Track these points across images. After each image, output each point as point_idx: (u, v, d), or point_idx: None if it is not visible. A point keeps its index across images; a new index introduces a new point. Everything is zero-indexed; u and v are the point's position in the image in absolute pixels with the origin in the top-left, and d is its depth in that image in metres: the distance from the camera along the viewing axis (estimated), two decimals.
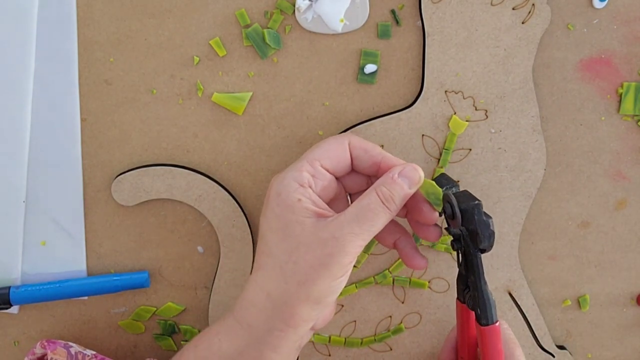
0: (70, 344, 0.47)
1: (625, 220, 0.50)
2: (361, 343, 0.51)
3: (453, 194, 0.40)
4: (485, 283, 0.41)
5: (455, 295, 0.44)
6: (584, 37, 0.46)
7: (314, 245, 0.38)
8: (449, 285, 0.50)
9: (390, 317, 0.50)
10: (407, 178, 0.40)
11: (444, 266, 0.49)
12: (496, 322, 0.41)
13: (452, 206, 0.40)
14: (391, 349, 0.51)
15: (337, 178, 0.43)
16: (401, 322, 0.50)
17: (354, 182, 0.44)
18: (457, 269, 0.43)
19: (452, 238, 0.42)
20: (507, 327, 0.45)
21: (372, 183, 0.41)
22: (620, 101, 0.47)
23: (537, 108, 0.47)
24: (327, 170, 0.41)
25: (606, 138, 0.48)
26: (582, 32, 0.46)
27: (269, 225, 0.40)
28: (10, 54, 0.46)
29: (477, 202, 0.39)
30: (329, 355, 0.51)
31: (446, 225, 0.42)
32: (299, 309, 0.39)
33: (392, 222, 0.44)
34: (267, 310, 0.39)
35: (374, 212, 0.39)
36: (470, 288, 0.42)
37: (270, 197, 0.40)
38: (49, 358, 0.46)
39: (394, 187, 0.40)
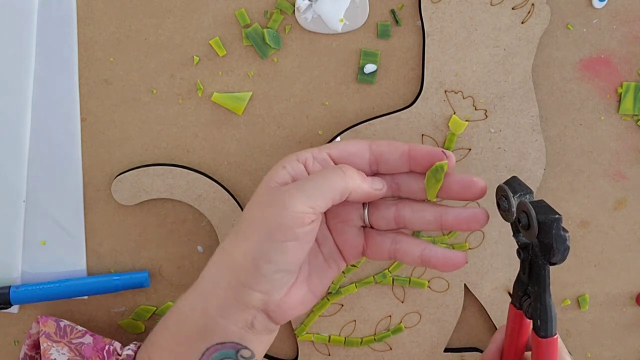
0: (62, 319, 0.48)
1: (624, 220, 0.50)
2: (361, 342, 0.51)
3: (530, 202, 0.38)
4: (550, 295, 0.40)
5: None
6: (584, 36, 0.46)
7: (263, 202, 0.39)
8: (448, 285, 0.50)
9: (390, 316, 0.50)
10: (376, 180, 0.41)
11: None
12: (555, 335, 0.40)
13: (529, 217, 0.38)
14: (391, 349, 0.51)
15: None
16: (401, 322, 0.50)
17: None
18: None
19: (517, 246, 0.41)
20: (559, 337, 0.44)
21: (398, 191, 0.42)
22: (619, 101, 0.47)
23: (536, 108, 0.47)
24: (333, 160, 0.41)
25: (606, 138, 0.48)
26: (582, 31, 0.46)
27: (250, 202, 0.40)
28: (10, 54, 0.46)
29: (557, 216, 0.37)
30: (329, 354, 0.51)
31: (512, 233, 0.41)
32: (238, 268, 0.38)
33: (411, 238, 0.43)
34: (216, 264, 0.40)
35: (330, 176, 0.39)
36: (532, 298, 0.40)
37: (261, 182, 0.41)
38: (40, 331, 0.46)
39: (358, 175, 0.40)
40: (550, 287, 0.40)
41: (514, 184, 0.40)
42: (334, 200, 0.38)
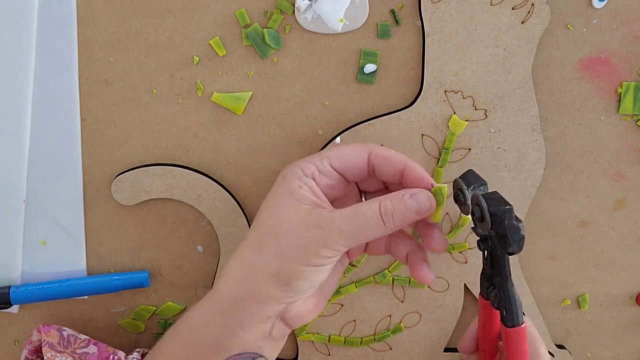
0: (64, 328, 0.48)
1: (624, 220, 0.50)
2: (361, 342, 0.51)
3: (482, 195, 0.39)
4: (512, 285, 0.40)
5: (478, 291, 0.43)
6: (584, 36, 0.46)
7: (298, 226, 0.38)
8: (448, 285, 0.50)
9: (390, 316, 0.50)
10: (418, 203, 0.39)
11: (444, 266, 0.49)
12: (522, 323, 0.40)
13: (481, 209, 0.38)
14: (391, 349, 0.51)
15: (349, 181, 0.43)
16: (401, 322, 0.50)
17: (374, 184, 0.44)
18: (478, 266, 0.42)
19: (478, 238, 0.41)
20: (530, 324, 0.44)
21: (392, 190, 0.42)
22: (619, 101, 0.47)
23: (536, 108, 0.47)
24: (336, 171, 0.42)
25: (605, 138, 0.48)
26: (582, 31, 0.46)
27: (266, 204, 0.41)
28: (10, 54, 0.46)
29: (508, 207, 0.38)
30: (329, 354, 0.51)
31: (472, 225, 0.41)
32: (266, 283, 0.38)
33: (405, 235, 0.43)
34: (237, 277, 0.40)
35: (367, 221, 0.38)
36: (496, 288, 0.41)
37: (277, 180, 0.41)
38: (43, 340, 0.46)
39: (399, 206, 0.39)
40: (512, 276, 0.40)
41: (468, 177, 0.41)
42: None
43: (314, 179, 0.41)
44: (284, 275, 0.38)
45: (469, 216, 0.40)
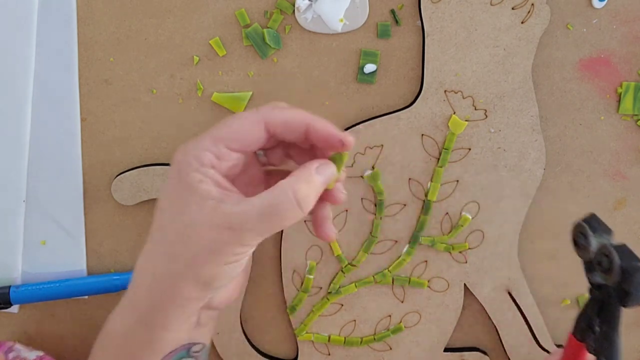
0: (17, 346, 0.47)
1: (624, 220, 0.50)
2: (361, 342, 0.51)
3: (613, 247, 0.38)
4: (619, 336, 0.39)
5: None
6: (584, 36, 0.46)
7: (208, 229, 0.35)
8: (448, 285, 0.50)
9: (390, 316, 0.50)
10: (324, 176, 0.36)
11: (444, 266, 0.49)
12: None
13: (611, 262, 0.37)
14: (391, 348, 0.51)
15: (249, 153, 0.39)
16: (401, 321, 0.51)
17: (276, 156, 0.40)
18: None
19: (589, 284, 0.40)
20: None
21: (295, 154, 0.39)
22: (619, 101, 0.47)
23: (536, 108, 0.47)
24: (234, 151, 0.37)
25: (605, 138, 0.48)
26: (582, 31, 0.46)
27: (168, 203, 0.36)
28: (10, 54, 0.46)
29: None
30: (329, 354, 0.51)
31: (585, 269, 0.40)
32: (186, 290, 0.36)
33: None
34: (152, 290, 0.37)
35: (284, 212, 0.35)
36: (599, 335, 0.40)
37: (171, 172, 0.37)
38: None
39: (311, 186, 0.35)
40: (621, 326, 0.40)
41: (592, 223, 0.40)
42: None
43: (213, 167, 0.36)
44: (202, 279, 0.36)
45: (589, 262, 0.39)
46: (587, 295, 0.51)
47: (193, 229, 0.35)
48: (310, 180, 0.35)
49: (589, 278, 0.40)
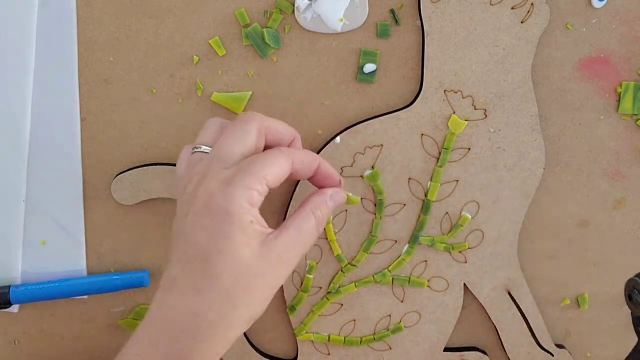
0: None
1: (624, 220, 0.50)
2: (361, 342, 0.51)
3: None
4: None
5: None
6: (583, 36, 0.46)
7: (264, 269, 0.37)
8: (448, 285, 0.50)
9: (390, 316, 0.50)
10: (336, 203, 0.42)
11: (444, 265, 0.49)
12: None
13: None
14: (391, 348, 0.51)
15: None
16: (400, 321, 0.51)
17: None
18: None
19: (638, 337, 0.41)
20: None
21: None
22: (619, 101, 0.47)
23: (536, 107, 0.47)
24: (269, 188, 0.39)
25: (605, 137, 0.48)
26: (581, 31, 0.46)
27: (217, 246, 0.36)
28: (10, 54, 0.46)
29: None
30: (329, 354, 0.51)
31: (633, 325, 0.41)
32: (239, 331, 0.37)
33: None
34: (210, 340, 0.36)
35: (313, 235, 0.40)
36: None
37: (217, 214, 0.36)
38: None
39: (327, 211, 0.41)
40: None
41: None
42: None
43: (257, 207, 0.38)
44: (255, 317, 0.38)
45: (633, 314, 0.40)
46: (587, 298, 0.51)
47: (249, 273, 0.36)
48: (326, 206, 0.41)
49: (638, 332, 0.40)
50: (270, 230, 0.38)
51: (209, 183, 0.37)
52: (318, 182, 0.43)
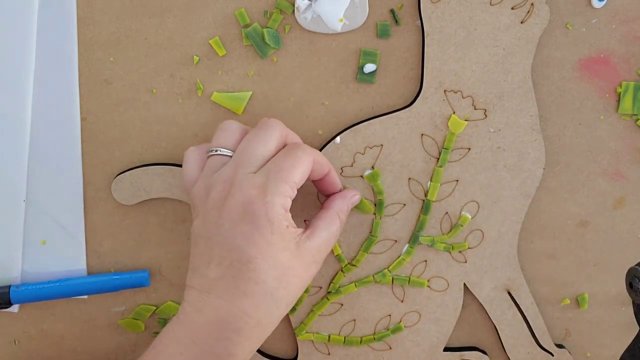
0: None
1: (624, 220, 0.50)
2: (360, 342, 0.51)
3: None
4: None
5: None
6: (583, 36, 0.47)
7: (300, 269, 0.40)
8: (448, 284, 0.50)
9: (390, 315, 0.50)
10: (353, 205, 0.46)
11: (443, 265, 0.49)
12: None
13: None
14: (390, 348, 0.51)
15: None
16: (400, 321, 0.51)
17: None
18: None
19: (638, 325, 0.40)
20: None
21: None
22: (619, 100, 0.47)
23: (536, 107, 0.47)
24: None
25: (605, 137, 0.48)
26: (581, 31, 0.46)
27: (259, 252, 0.38)
28: (10, 54, 0.46)
29: None
30: (329, 354, 0.51)
31: (634, 312, 0.41)
32: (275, 326, 0.41)
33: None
34: (253, 337, 0.39)
35: (337, 236, 0.43)
36: None
37: (257, 222, 0.38)
38: None
39: (347, 213, 0.45)
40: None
41: None
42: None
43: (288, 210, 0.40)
44: (288, 311, 0.41)
45: (635, 302, 0.40)
46: (587, 298, 0.51)
47: (289, 274, 0.39)
48: (347, 205, 0.45)
49: (639, 320, 0.40)
50: (300, 229, 0.41)
51: (246, 190, 0.39)
52: (322, 186, 0.45)
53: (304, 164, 0.40)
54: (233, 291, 0.38)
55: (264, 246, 0.38)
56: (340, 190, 0.46)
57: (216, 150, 0.42)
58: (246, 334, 0.39)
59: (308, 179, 0.42)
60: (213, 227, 0.39)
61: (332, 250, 0.49)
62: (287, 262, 0.39)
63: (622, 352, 0.42)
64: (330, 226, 0.42)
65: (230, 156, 0.41)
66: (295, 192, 0.40)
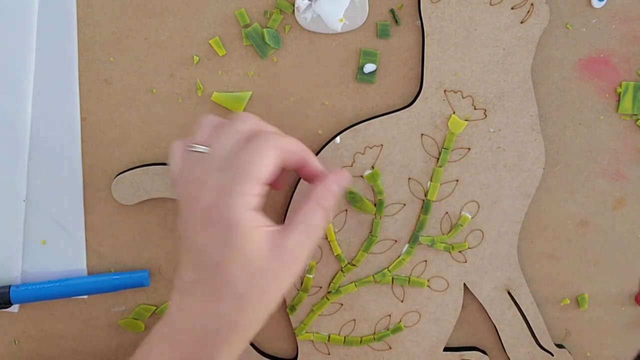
0: None
1: (623, 220, 0.50)
2: (360, 342, 0.51)
3: None
4: None
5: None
6: (583, 36, 0.47)
7: (276, 268, 0.37)
8: (447, 284, 0.50)
9: (390, 315, 0.50)
10: (341, 187, 0.41)
11: (443, 265, 0.49)
12: None
13: None
14: (390, 348, 0.51)
15: None
16: (400, 321, 0.51)
17: None
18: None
19: None
20: None
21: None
22: (618, 100, 0.47)
23: (535, 107, 0.47)
24: (265, 184, 0.38)
25: (605, 137, 0.48)
26: (581, 31, 0.46)
27: (225, 255, 0.36)
28: (10, 54, 0.46)
29: None
30: (328, 354, 0.51)
31: None
32: (256, 329, 0.39)
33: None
34: (232, 340, 0.38)
35: (320, 227, 0.39)
36: None
37: (220, 225, 0.36)
38: None
39: (333, 198, 0.40)
40: None
41: None
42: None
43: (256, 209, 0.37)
44: (270, 312, 0.39)
45: None
46: (586, 298, 0.51)
47: (264, 275, 0.37)
48: (330, 194, 0.40)
49: None
50: (276, 227, 0.38)
51: (209, 192, 0.37)
52: (306, 176, 0.42)
53: (265, 157, 0.37)
54: (206, 295, 0.37)
55: (229, 250, 0.36)
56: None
57: (193, 147, 0.39)
58: (221, 337, 0.37)
59: (288, 170, 0.40)
60: (187, 229, 0.38)
61: (332, 250, 0.49)
62: (260, 263, 0.37)
63: (624, 354, 0.42)
64: (310, 218, 0.39)
65: (207, 152, 0.39)
66: (263, 187, 0.37)
